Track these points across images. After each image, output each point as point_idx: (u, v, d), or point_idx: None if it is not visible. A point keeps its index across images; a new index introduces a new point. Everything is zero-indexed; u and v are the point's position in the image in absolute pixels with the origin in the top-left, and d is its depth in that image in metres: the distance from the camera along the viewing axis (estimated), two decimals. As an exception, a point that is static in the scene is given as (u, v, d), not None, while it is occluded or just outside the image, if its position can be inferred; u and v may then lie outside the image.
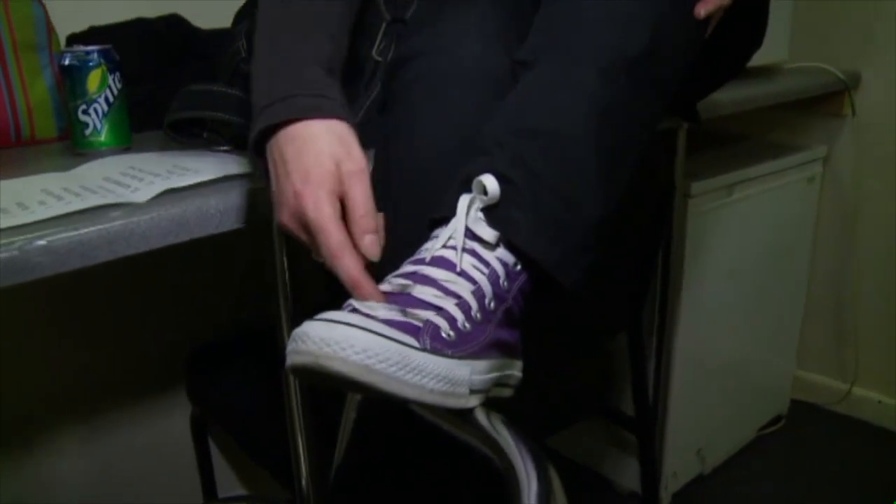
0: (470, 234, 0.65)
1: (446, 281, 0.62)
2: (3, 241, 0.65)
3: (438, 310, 0.60)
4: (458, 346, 0.59)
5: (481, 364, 0.60)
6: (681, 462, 1.69)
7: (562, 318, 0.77)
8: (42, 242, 0.66)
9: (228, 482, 1.60)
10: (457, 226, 0.65)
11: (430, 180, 0.74)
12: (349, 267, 0.63)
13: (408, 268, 0.64)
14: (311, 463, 1.01)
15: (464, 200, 0.65)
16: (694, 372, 1.62)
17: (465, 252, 0.64)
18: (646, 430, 1.53)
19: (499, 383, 0.65)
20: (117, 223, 0.70)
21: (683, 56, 0.77)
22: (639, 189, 1.23)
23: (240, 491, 1.63)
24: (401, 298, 0.61)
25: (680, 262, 1.49)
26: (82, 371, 1.35)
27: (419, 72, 0.78)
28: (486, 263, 0.64)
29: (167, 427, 1.49)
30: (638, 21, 0.71)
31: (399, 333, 0.56)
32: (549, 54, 0.71)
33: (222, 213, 0.76)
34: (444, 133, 0.75)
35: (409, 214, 0.75)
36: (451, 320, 0.60)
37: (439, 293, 0.61)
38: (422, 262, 0.64)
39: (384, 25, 0.94)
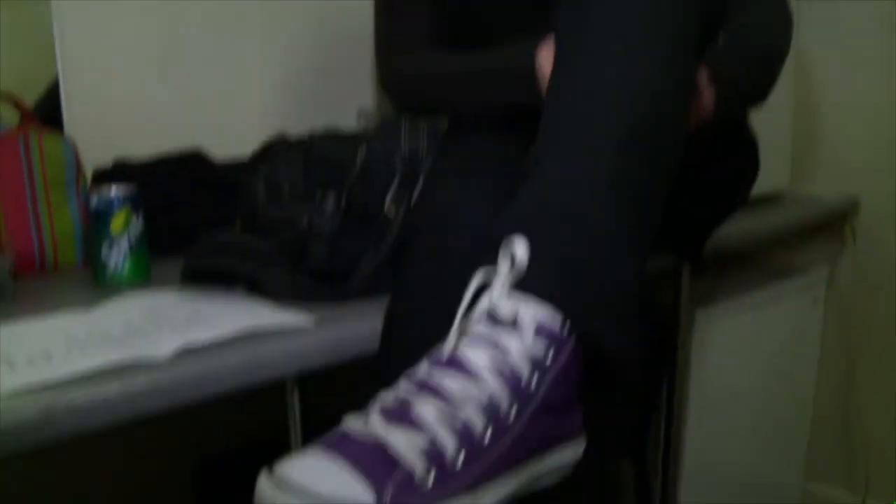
0: (491, 321, 0.62)
1: (454, 398, 0.58)
2: (30, 401, 0.67)
3: (430, 439, 0.56)
4: (433, 491, 0.55)
5: (467, 499, 0.56)
6: (688, 584, 1.67)
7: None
8: (66, 401, 0.67)
9: None
10: (476, 315, 0.63)
11: (431, 334, 0.73)
12: None
13: (422, 369, 0.62)
14: None
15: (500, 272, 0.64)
16: (700, 491, 1.61)
17: (486, 348, 0.61)
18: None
19: (531, 480, 0.62)
20: (140, 381, 0.72)
21: (682, 129, 0.76)
22: (643, 322, 1.26)
23: None
24: (396, 415, 0.58)
25: (685, 388, 1.50)
26: (82, 490, 1.36)
27: (424, 242, 0.81)
28: (509, 362, 0.60)
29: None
30: (637, 99, 0.69)
31: (355, 485, 0.52)
32: (557, 143, 0.70)
33: (238, 372, 0.79)
34: (448, 294, 0.72)
35: (409, 362, 0.73)
36: (437, 457, 0.56)
37: (442, 410, 0.57)
38: (439, 361, 0.62)
39: (397, 179, 0.98)
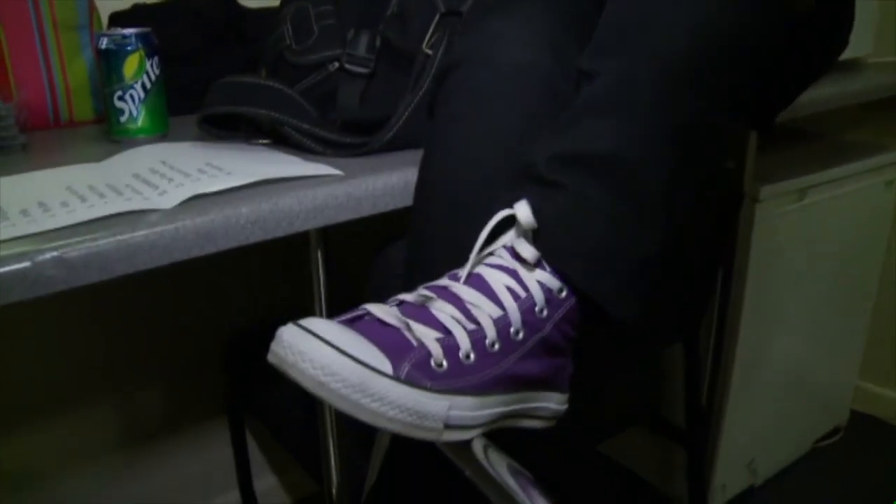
0: (513, 254, 0.62)
1: (470, 303, 0.59)
2: (15, 252, 0.59)
3: (446, 333, 0.57)
4: (445, 379, 0.56)
5: (472, 401, 0.57)
6: (731, 473, 1.60)
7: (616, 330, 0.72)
8: (55, 254, 0.60)
9: (259, 468, 1.58)
10: (498, 244, 0.63)
11: (466, 192, 0.71)
12: None
13: (442, 281, 0.62)
14: (340, 469, 0.97)
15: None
16: (750, 381, 1.53)
17: (505, 272, 0.61)
18: (695, 442, 1.46)
19: (517, 415, 0.63)
20: (139, 234, 0.64)
21: (762, 58, 0.69)
22: (703, 194, 1.15)
23: (271, 477, 1.61)
24: (415, 311, 0.59)
25: (743, 271, 1.40)
26: (114, 359, 1.33)
27: (462, 80, 0.73)
28: (525, 288, 0.61)
29: (203, 415, 1.46)
30: (706, 24, 0.63)
31: (373, 353, 0.53)
32: (609, 65, 0.66)
33: (253, 224, 0.69)
34: (486, 145, 0.71)
35: (445, 225, 0.71)
36: (452, 348, 0.57)
37: (458, 314, 0.58)
38: (457, 277, 0.61)
39: (437, 17, 0.88)
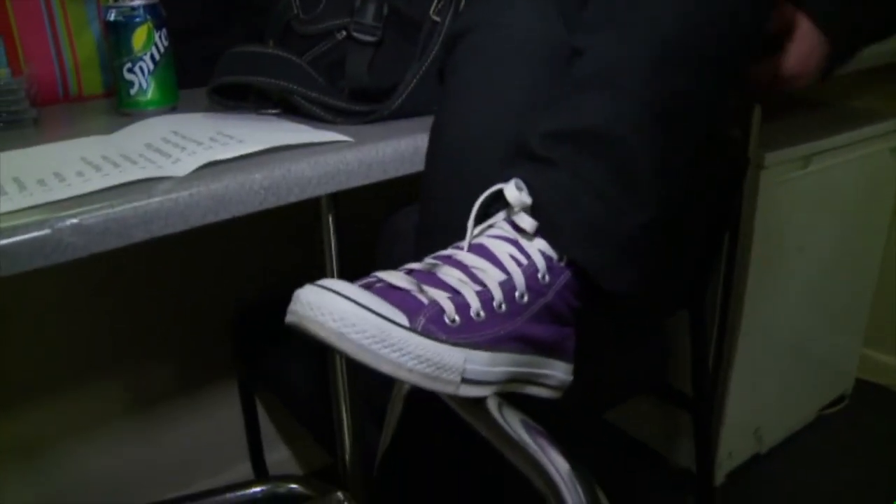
0: (513, 225, 0.64)
1: (475, 268, 0.61)
2: (35, 220, 0.60)
3: (455, 293, 0.59)
4: (458, 333, 0.57)
5: (486, 355, 0.58)
6: (737, 441, 1.62)
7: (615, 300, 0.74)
8: (74, 221, 0.61)
9: (271, 440, 1.59)
10: (499, 216, 0.65)
11: (477, 159, 0.72)
12: None
13: (447, 251, 0.64)
14: (354, 439, 0.98)
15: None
16: (756, 349, 1.54)
17: (506, 241, 0.63)
18: (702, 409, 1.47)
19: (526, 380, 0.64)
20: (154, 200, 0.65)
21: (754, 29, 0.70)
22: (708, 161, 1.16)
23: (283, 449, 1.63)
24: (424, 276, 0.60)
25: (748, 239, 1.41)
26: (124, 331, 1.34)
27: (472, 47, 0.74)
28: (527, 255, 0.63)
29: (213, 387, 1.48)
30: (698, 5, 0.65)
31: (390, 309, 0.55)
32: (598, 41, 0.67)
33: (266, 190, 0.71)
34: (496, 111, 0.72)
35: (454, 192, 0.72)
36: (463, 306, 0.58)
37: (464, 278, 0.60)
38: (460, 247, 0.63)
39: None
